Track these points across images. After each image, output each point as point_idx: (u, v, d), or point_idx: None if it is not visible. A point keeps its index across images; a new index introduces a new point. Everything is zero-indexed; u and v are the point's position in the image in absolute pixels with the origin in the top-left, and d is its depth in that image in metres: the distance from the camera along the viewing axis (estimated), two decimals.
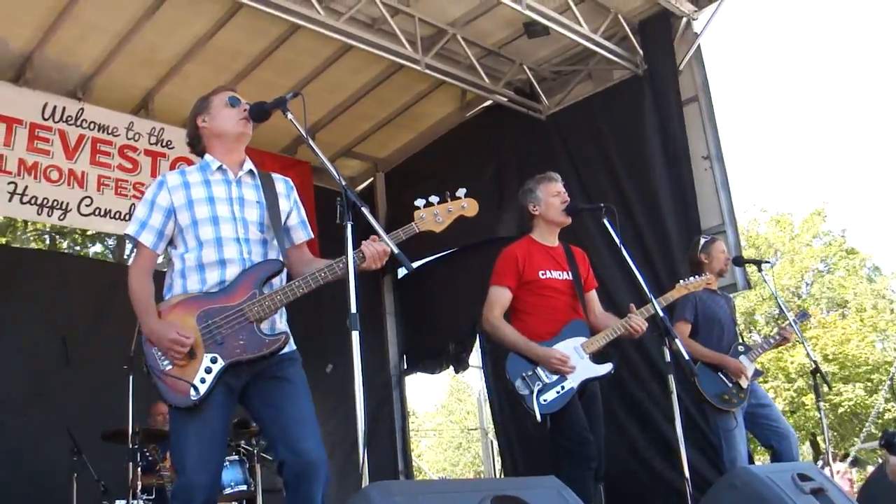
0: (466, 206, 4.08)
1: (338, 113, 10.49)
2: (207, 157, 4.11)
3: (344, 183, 3.59)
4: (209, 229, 3.90)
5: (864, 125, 64.33)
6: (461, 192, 4.08)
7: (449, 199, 4.05)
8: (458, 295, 10.55)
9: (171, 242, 4.02)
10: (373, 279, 11.78)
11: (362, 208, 3.56)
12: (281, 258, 4.02)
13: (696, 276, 5.98)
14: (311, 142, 3.74)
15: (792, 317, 6.87)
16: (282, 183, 4.24)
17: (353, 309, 3.40)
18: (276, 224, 4.05)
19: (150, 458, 7.32)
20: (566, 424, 5.16)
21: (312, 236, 4.31)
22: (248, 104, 4.09)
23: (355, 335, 3.39)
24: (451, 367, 11.47)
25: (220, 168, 4.05)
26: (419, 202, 3.98)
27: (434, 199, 4.01)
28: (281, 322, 4.01)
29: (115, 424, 6.96)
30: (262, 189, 4.11)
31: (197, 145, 4.18)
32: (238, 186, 4.06)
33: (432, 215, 4.00)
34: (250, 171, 4.14)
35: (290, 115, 3.79)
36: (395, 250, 3.61)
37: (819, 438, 27.03)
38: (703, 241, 6.99)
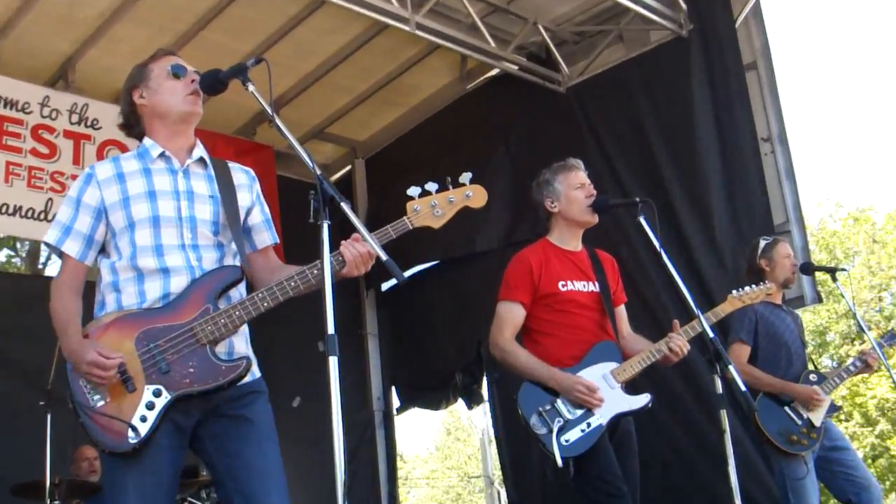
0: (472, 193, 4.01)
1: (307, 85, 10.52)
2: (147, 141, 4.06)
3: (319, 172, 3.56)
4: (147, 233, 3.85)
5: None
6: (465, 176, 4.02)
7: (450, 187, 3.99)
8: (462, 313, 10.58)
9: (102, 249, 3.97)
10: (352, 292, 11.81)
11: (342, 204, 3.52)
12: (240, 264, 3.98)
13: (753, 286, 5.98)
14: (278, 121, 3.72)
15: (874, 337, 6.88)
16: (241, 173, 4.21)
17: (331, 329, 3.35)
18: (233, 223, 4.00)
19: None
20: (594, 470, 5.14)
21: (278, 241, 4.29)
22: (197, 73, 4.05)
23: (333, 361, 3.35)
24: (463, 402, 11.51)
25: (162, 155, 4.01)
26: (413, 191, 3.93)
27: (431, 186, 3.96)
28: (241, 344, 3.95)
29: (28, 475, 6.94)
30: (217, 181, 4.07)
31: (134, 127, 4.13)
32: (186, 178, 4.01)
33: (429, 207, 3.93)
34: (201, 160, 4.10)
35: (251, 87, 3.74)
36: (384, 256, 3.52)
37: None
38: (763, 243, 7.00)
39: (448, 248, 10.61)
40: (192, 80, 4.02)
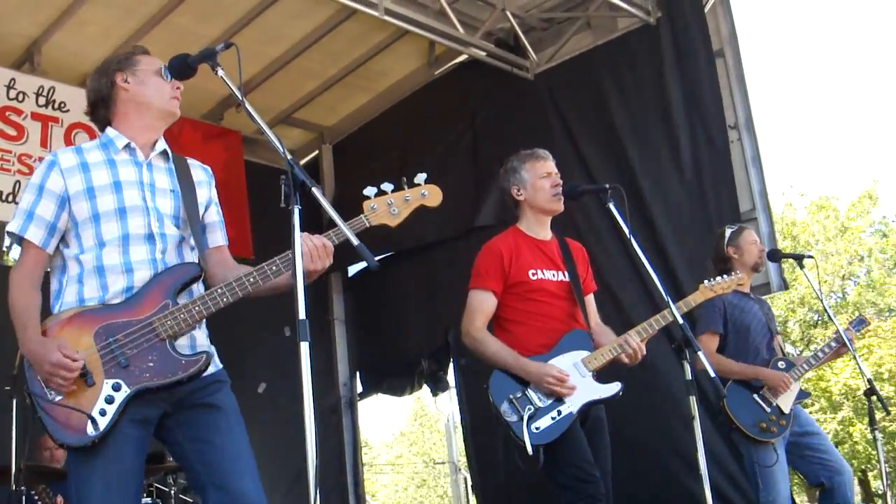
0: (427, 193, 4.09)
1: (274, 70, 10.45)
2: (111, 131, 4.02)
3: (290, 157, 3.54)
4: (114, 225, 3.81)
5: None
6: (420, 177, 4.09)
7: (406, 187, 4.05)
8: (428, 299, 10.56)
9: (62, 238, 3.90)
10: (318, 277, 11.73)
11: (313, 189, 3.51)
12: (198, 260, 3.99)
13: (725, 276, 5.99)
14: (248, 105, 3.69)
15: (841, 327, 6.89)
16: (200, 171, 4.21)
17: (302, 314, 3.34)
18: (193, 218, 4.00)
19: (37, 503, 7.27)
20: (565, 458, 5.16)
21: (227, 242, 4.26)
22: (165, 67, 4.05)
23: (305, 347, 3.32)
24: (428, 388, 11.49)
25: (127, 146, 3.98)
26: (369, 191, 3.97)
27: (387, 186, 4.00)
28: (202, 337, 3.96)
29: None
30: (177, 175, 4.06)
31: (107, 109, 4.06)
32: (149, 170, 4.00)
33: (386, 205, 3.97)
34: (164, 153, 4.09)
35: (220, 72, 3.73)
36: (356, 241, 3.53)
37: (871, 475, 27.13)
38: (729, 231, 7.01)
39: (416, 236, 10.50)
40: (178, 87, 4.04)
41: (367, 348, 11.90)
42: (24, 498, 6.73)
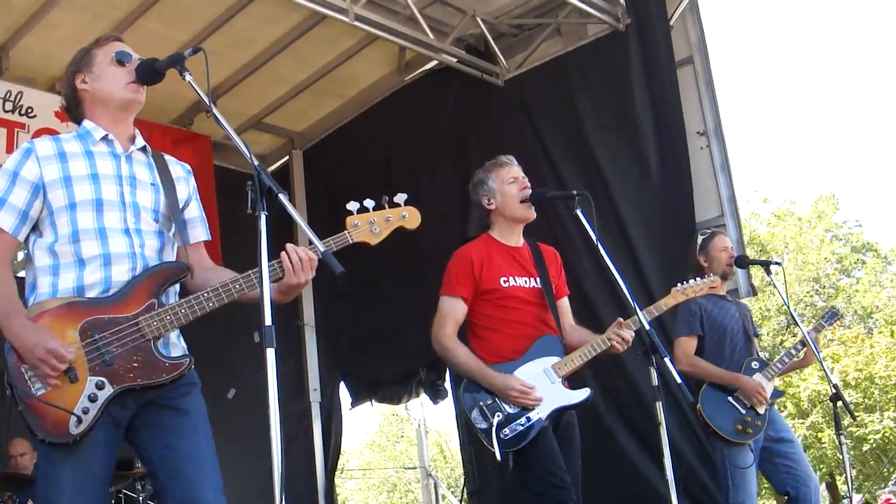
0: (407, 215, 4.12)
1: (244, 75, 10.45)
2: (87, 123, 3.96)
3: (257, 163, 3.53)
4: (89, 216, 3.75)
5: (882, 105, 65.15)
6: (400, 197, 4.10)
7: (386, 206, 4.07)
8: (421, 307, 10.50)
9: (34, 228, 3.84)
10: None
11: (280, 195, 3.50)
12: (177, 255, 3.97)
13: (697, 279, 6.00)
14: (216, 111, 3.67)
15: (806, 330, 6.90)
16: (178, 166, 4.19)
17: (268, 320, 3.34)
18: (174, 212, 3.98)
19: None
20: (537, 464, 5.17)
21: (211, 238, 4.27)
22: (140, 59, 3.98)
23: (270, 353, 3.32)
24: (427, 397, 11.47)
25: (104, 138, 3.93)
26: (352, 205, 3.96)
27: (369, 203, 4.00)
28: (174, 335, 3.90)
29: None
30: (157, 170, 4.03)
31: (74, 111, 4.04)
32: (129, 162, 3.95)
33: (368, 223, 3.98)
34: (143, 148, 4.06)
35: (188, 77, 3.72)
36: (322, 248, 3.56)
37: (839, 480, 27.21)
38: (700, 238, 7.01)
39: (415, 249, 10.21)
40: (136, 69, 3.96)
41: (353, 357, 11.76)
42: None
